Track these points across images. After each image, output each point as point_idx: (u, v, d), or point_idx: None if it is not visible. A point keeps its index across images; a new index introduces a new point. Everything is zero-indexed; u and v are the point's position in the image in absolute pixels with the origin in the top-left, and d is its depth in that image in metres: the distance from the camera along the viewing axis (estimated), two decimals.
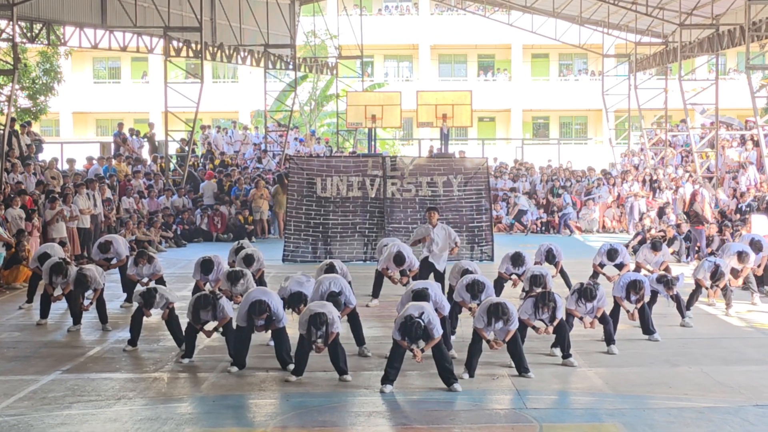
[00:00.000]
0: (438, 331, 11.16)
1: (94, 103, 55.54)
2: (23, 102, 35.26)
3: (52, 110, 40.28)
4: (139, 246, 21.59)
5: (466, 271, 14.62)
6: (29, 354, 13.27)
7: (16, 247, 19.01)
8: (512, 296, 15.96)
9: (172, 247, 26.18)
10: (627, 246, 21.41)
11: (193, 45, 31.42)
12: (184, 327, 13.03)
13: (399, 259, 15.86)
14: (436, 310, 11.89)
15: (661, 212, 27.92)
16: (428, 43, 57.67)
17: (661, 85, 38.71)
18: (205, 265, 15.50)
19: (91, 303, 14.89)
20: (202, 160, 33.66)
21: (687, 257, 22.73)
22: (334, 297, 12.67)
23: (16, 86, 28.23)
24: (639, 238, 24.29)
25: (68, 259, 16.22)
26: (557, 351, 12.71)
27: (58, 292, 15.23)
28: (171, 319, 13.34)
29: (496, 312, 11.61)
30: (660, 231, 24.37)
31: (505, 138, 56.13)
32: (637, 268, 17.00)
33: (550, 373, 12.02)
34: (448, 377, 11.18)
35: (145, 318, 13.47)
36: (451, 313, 13.46)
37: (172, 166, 31.21)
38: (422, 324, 10.98)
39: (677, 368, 12.25)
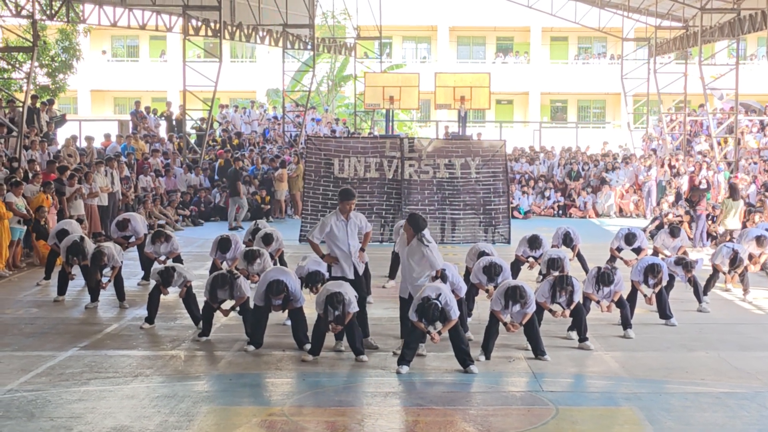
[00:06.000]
0: (455, 313, 11.15)
1: (112, 81, 55.59)
2: (42, 79, 35.34)
3: (71, 88, 40.36)
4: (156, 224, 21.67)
5: (482, 253, 14.63)
6: (47, 330, 13.33)
7: (36, 216, 19.06)
8: (529, 279, 15.98)
9: (189, 226, 26.26)
10: (645, 230, 21.36)
11: (212, 24, 31.39)
12: (201, 305, 13.07)
13: None
14: (452, 291, 11.88)
15: (678, 197, 27.83)
16: (447, 25, 57.48)
17: (681, 70, 38.49)
18: (223, 244, 15.55)
19: (109, 281, 14.95)
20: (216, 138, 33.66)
21: (703, 242, 22.65)
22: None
23: (35, 63, 28.27)
24: (657, 222, 24.22)
25: (85, 236, 16.26)
26: (574, 334, 12.70)
27: (75, 270, 15.29)
28: (188, 298, 13.38)
29: (514, 295, 11.61)
30: (677, 216, 24.29)
31: (522, 121, 55.99)
32: (655, 253, 16.96)
33: (567, 356, 12.01)
34: (465, 359, 11.17)
35: (162, 296, 13.52)
36: (468, 295, 13.45)
37: (190, 145, 31.22)
38: (439, 305, 10.97)
39: (694, 353, 12.22)
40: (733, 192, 21.38)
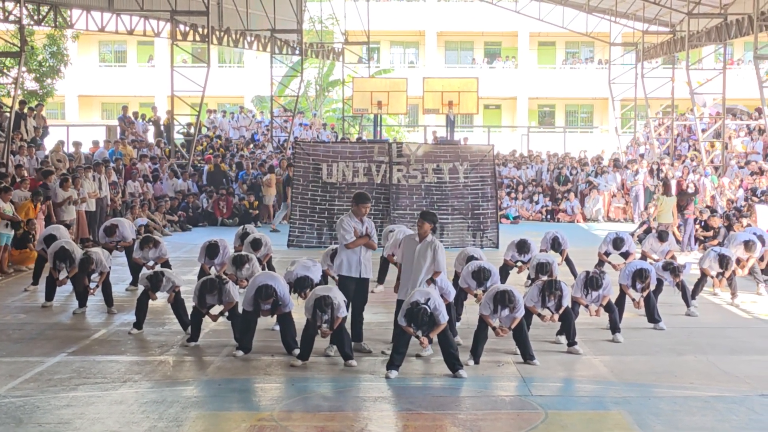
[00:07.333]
0: (444, 318, 11.15)
1: (99, 86, 55.48)
2: (30, 84, 35.26)
3: (58, 93, 40.26)
4: (146, 230, 21.62)
5: (471, 258, 14.64)
6: (35, 336, 13.28)
7: (26, 227, 19.00)
8: (518, 283, 15.99)
9: (177, 231, 26.20)
10: (632, 235, 21.40)
11: (200, 29, 31.36)
12: (189, 310, 13.04)
13: None
14: (441, 296, 11.88)
15: None
16: (435, 30, 57.56)
17: (668, 75, 38.63)
18: (211, 249, 15.52)
19: (97, 286, 14.90)
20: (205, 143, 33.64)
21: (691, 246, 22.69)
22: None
23: (23, 69, 28.21)
24: (644, 227, 24.26)
25: (73, 242, 16.20)
26: (562, 338, 12.71)
27: (63, 275, 15.23)
28: (177, 303, 13.34)
29: (503, 299, 11.61)
30: None
31: (510, 126, 56.07)
32: (643, 257, 16.99)
33: (556, 360, 12.02)
34: (454, 363, 11.17)
35: (150, 301, 13.48)
36: (457, 299, 13.45)
37: (178, 150, 31.18)
38: (428, 310, 10.96)
39: (683, 357, 12.24)
40: (666, 188, 21.63)
